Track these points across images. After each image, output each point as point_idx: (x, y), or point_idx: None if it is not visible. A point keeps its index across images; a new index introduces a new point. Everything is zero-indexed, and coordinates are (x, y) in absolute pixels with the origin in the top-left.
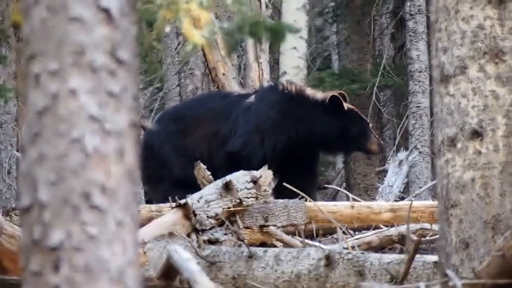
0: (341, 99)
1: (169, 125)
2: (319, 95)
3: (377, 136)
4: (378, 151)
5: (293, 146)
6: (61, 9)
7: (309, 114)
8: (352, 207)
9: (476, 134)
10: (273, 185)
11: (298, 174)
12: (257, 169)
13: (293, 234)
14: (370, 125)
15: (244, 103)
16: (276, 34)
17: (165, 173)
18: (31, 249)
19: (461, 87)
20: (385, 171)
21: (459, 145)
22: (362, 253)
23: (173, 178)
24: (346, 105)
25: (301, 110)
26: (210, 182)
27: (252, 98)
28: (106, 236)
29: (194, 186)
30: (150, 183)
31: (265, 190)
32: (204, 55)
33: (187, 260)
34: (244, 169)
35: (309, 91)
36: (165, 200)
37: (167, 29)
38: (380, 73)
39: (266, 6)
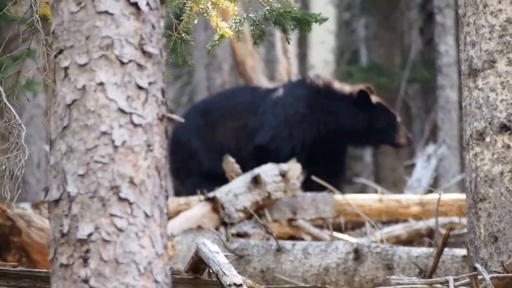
0: (369, 92)
1: (197, 119)
2: (347, 88)
3: (405, 129)
4: (407, 144)
5: (321, 139)
6: (90, 3)
7: (337, 107)
8: (381, 200)
9: (505, 128)
10: (301, 178)
11: (326, 168)
12: (285, 163)
13: (321, 227)
14: (399, 118)
15: (272, 97)
16: (303, 24)
17: (193, 166)
18: (60, 241)
19: (489, 81)
20: (413, 165)
21: (487, 139)
22: (391, 246)
23: (202, 172)
24: (374, 99)
25: (328, 103)
26: (238, 175)
27: (280, 92)
28: (135, 229)
29: (223, 179)
30: (178, 176)
31: (293, 184)
32: (232, 48)
33: (215, 254)
34: (273, 161)
35: (337, 85)
36: (193, 193)
37: (195, 21)
38: (408, 67)
39: (294, 0)
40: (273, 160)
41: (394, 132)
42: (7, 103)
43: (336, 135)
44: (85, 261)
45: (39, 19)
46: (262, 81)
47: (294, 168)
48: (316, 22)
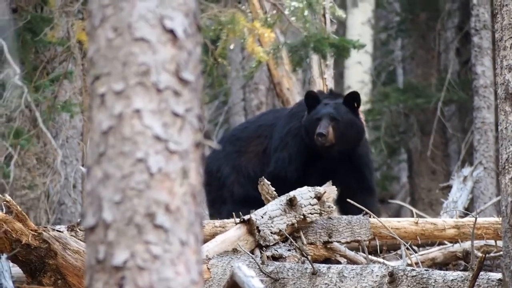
0: (316, 94)
1: (226, 147)
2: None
3: (330, 126)
4: (319, 142)
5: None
6: (127, 30)
7: None
8: (416, 223)
9: None
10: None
11: (348, 184)
12: (294, 184)
13: (357, 250)
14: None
15: (282, 117)
16: (341, 50)
17: (227, 194)
18: (96, 268)
19: None
20: (449, 187)
21: None
22: (426, 270)
23: (235, 199)
24: (327, 101)
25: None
26: (274, 198)
27: (287, 111)
28: (170, 255)
29: (256, 205)
30: (214, 206)
31: (329, 206)
32: (269, 70)
33: (250, 278)
34: (285, 185)
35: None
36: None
37: (231, 46)
38: (445, 87)
39: (331, 21)
40: (285, 183)
41: (312, 130)
42: (44, 128)
43: None
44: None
45: (76, 43)
46: None
47: (329, 190)
48: (354, 48)
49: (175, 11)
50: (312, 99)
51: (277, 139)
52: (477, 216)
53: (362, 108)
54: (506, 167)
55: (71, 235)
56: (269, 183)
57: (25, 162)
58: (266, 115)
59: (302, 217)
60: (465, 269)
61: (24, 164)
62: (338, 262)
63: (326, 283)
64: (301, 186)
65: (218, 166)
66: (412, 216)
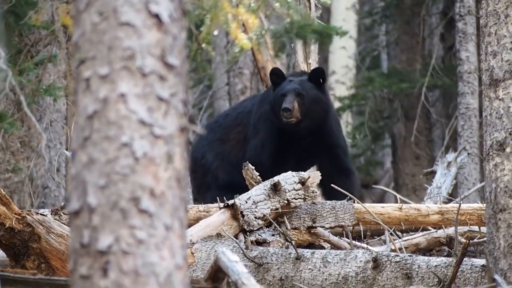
0: (280, 71)
1: (209, 134)
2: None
3: (296, 101)
4: (284, 118)
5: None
6: (112, 14)
7: None
8: (400, 209)
9: None
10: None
11: (320, 166)
12: (270, 169)
13: (340, 235)
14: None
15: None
16: (324, 37)
17: (211, 180)
18: (80, 252)
19: (510, 91)
20: (433, 172)
21: (508, 150)
22: (410, 255)
23: (220, 184)
24: (291, 78)
25: None
26: (258, 182)
27: (259, 96)
28: (155, 240)
29: (241, 190)
30: (199, 192)
31: (313, 191)
32: (253, 54)
33: (234, 263)
34: (262, 172)
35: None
36: None
37: (215, 32)
38: (429, 73)
39: (316, 6)
40: (261, 170)
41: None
42: (28, 112)
43: None
44: (105, 272)
45: (60, 27)
46: None
47: (313, 175)
48: (337, 35)
49: None
50: (277, 76)
51: (251, 125)
52: (461, 202)
53: (346, 93)
54: (490, 153)
55: (55, 219)
56: (253, 168)
57: (9, 145)
58: (246, 101)
59: (286, 202)
60: (448, 255)
61: (8, 148)
62: (322, 247)
63: (310, 268)
64: (277, 171)
65: (202, 153)
66: (396, 202)
